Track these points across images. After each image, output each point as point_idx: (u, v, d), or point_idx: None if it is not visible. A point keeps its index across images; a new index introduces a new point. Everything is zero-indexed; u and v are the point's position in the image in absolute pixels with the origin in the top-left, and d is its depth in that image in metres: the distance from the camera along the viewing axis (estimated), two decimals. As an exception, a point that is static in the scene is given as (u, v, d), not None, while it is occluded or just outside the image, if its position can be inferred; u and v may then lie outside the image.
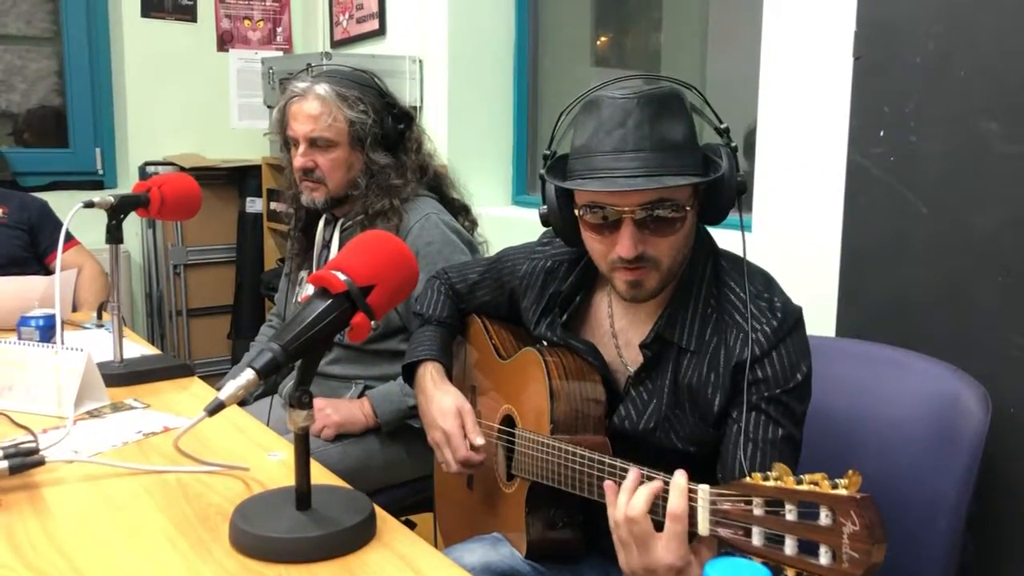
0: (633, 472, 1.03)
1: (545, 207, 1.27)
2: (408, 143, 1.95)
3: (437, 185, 2.02)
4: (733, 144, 1.19)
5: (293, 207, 2.05)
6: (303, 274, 2.09)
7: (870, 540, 0.78)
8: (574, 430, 1.25)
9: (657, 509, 0.99)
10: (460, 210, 2.03)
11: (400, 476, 1.96)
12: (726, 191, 1.18)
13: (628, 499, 1.01)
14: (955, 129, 1.56)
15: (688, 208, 1.16)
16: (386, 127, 1.90)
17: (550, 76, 3.28)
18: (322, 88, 1.86)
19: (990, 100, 1.50)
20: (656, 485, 1.00)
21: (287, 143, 1.94)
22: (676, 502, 0.97)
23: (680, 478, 0.98)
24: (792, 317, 1.19)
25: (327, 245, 2.01)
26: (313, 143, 1.87)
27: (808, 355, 1.20)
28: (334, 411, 1.87)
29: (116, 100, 3.93)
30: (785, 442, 1.17)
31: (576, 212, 1.20)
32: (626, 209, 1.13)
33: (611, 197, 1.13)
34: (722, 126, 1.19)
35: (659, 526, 0.99)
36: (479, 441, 1.34)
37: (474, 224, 2.06)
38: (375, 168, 1.89)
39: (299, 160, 1.89)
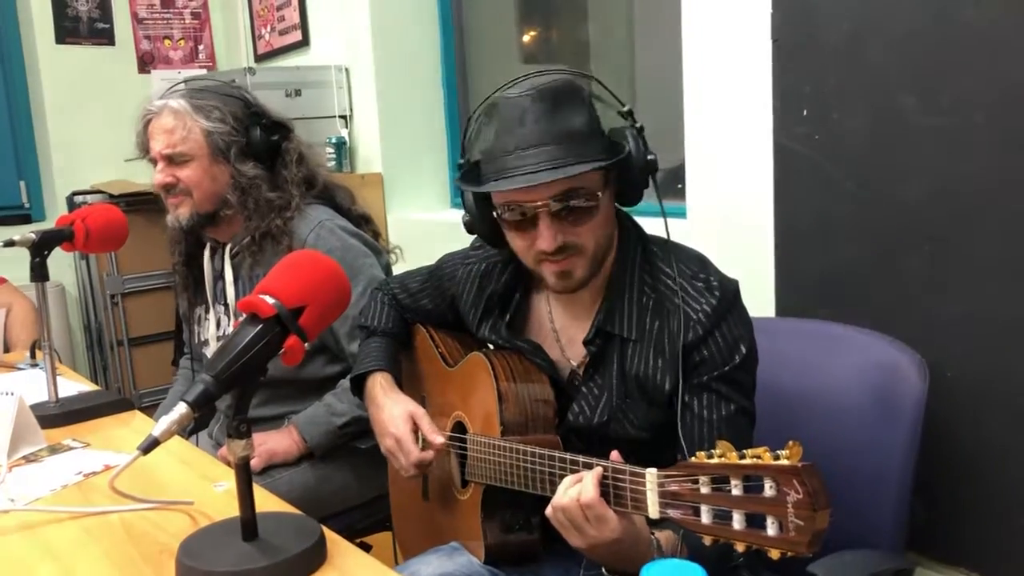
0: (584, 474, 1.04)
1: (467, 215, 1.28)
2: (286, 155, 1.84)
3: (330, 197, 1.91)
4: (638, 125, 1.20)
5: (171, 237, 1.92)
6: (199, 311, 1.97)
7: (814, 507, 0.79)
8: (524, 431, 1.25)
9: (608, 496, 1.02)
10: (359, 220, 1.93)
11: (352, 499, 1.89)
12: (636, 172, 1.19)
13: (565, 489, 1.03)
14: (875, 105, 1.59)
15: (600, 193, 1.17)
16: (253, 137, 1.79)
17: (479, 75, 3.28)
18: (176, 102, 1.78)
19: (906, 75, 1.54)
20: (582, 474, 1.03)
21: (155, 164, 1.83)
22: (586, 490, 1.00)
23: (596, 469, 1.02)
24: (730, 293, 1.21)
25: (220, 276, 1.89)
26: (170, 160, 1.78)
27: (749, 326, 1.23)
28: (259, 441, 1.76)
29: (37, 130, 3.82)
30: (739, 415, 1.19)
31: (494, 214, 1.22)
32: (539, 204, 1.14)
33: (522, 194, 1.15)
34: (624, 109, 1.21)
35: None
36: (439, 440, 1.32)
37: (376, 234, 1.95)
38: (244, 181, 1.78)
39: (157, 178, 1.79)
